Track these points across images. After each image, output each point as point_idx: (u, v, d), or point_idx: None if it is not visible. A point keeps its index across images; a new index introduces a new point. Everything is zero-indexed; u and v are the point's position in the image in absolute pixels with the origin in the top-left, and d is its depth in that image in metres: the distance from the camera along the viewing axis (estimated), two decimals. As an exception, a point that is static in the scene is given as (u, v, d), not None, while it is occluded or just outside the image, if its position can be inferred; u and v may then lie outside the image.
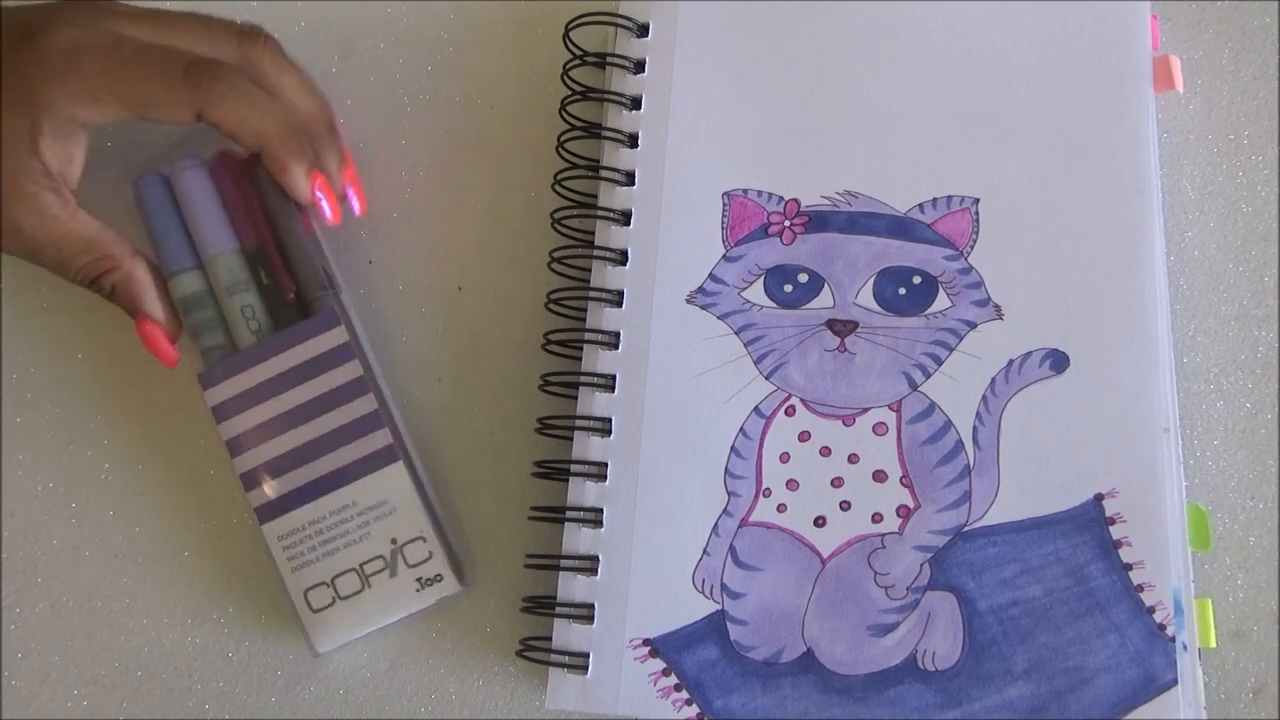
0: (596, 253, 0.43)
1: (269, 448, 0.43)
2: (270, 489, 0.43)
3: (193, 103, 0.41)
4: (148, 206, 0.45)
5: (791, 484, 0.41)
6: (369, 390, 0.43)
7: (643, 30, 0.45)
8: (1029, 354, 0.41)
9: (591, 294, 0.43)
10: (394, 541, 0.42)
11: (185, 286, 0.44)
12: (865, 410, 0.42)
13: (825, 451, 0.42)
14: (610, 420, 0.42)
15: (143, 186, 0.45)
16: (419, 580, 0.42)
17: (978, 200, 0.43)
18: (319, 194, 0.44)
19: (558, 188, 0.44)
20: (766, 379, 0.42)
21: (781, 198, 0.44)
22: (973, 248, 0.42)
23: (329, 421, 0.43)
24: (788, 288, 0.43)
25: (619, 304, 0.43)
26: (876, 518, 0.41)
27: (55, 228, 0.42)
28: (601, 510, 0.42)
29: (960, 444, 0.41)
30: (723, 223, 0.44)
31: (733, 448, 0.42)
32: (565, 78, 0.45)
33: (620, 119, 0.45)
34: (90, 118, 0.42)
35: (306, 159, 0.43)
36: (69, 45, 0.41)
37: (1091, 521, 0.40)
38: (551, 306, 0.44)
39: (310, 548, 0.42)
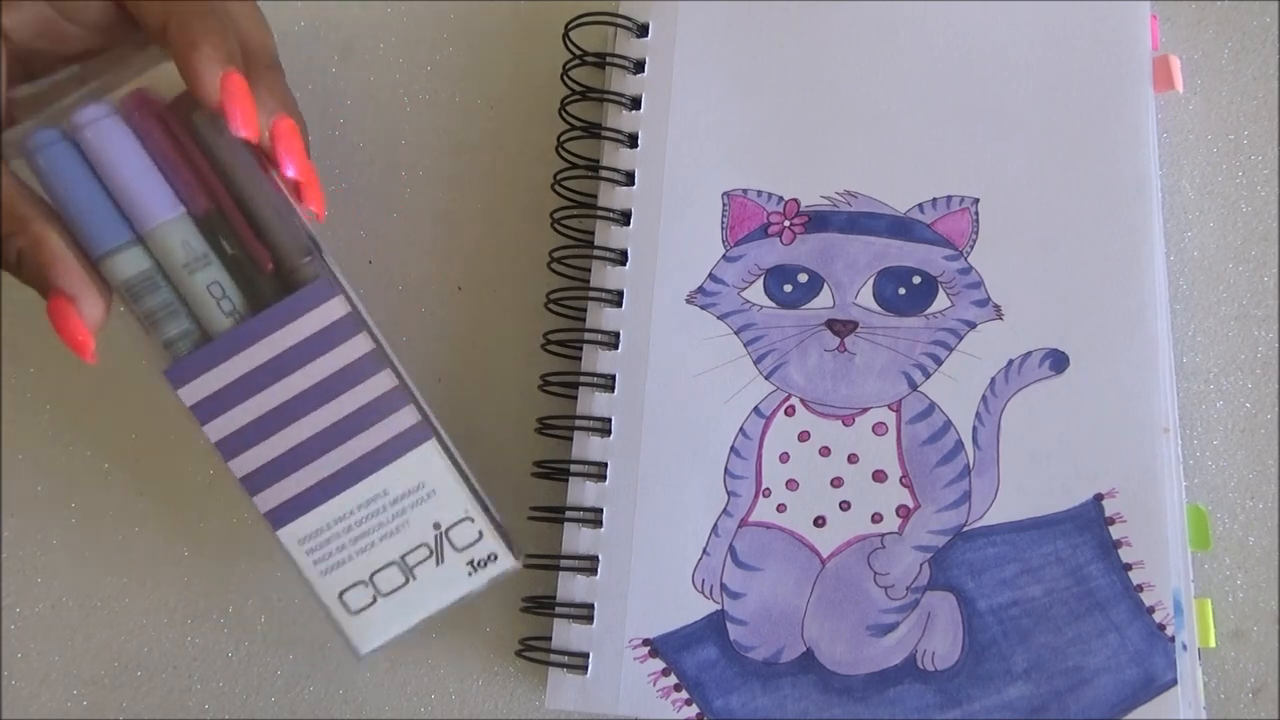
0: (596, 253, 0.43)
1: (272, 445, 0.37)
2: (281, 491, 0.37)
3: None
4: (53, 172, 0.35)
5: (791, 484, 0.41)
6: (385, 365, 0.37)
7: (642, 30, 0.45)
8: (1029, 354, 0.41)
9: (591, 294, 0.43)
10: (437, 526, 0.38)
11: (126, 267, 0.36)
12: (865, 410, 0.42)
13: (825, 451, 0.42)
14: (610, 420, 0.42)
15: (41, 147, 0.35)
16: (470, 563, 0.38)
17: (977, 200, 0.43)
18: (231, 105, 0.34)
19: (557, 188, 0.44)
20: (766, 379, 0.42)
21: (781, 198, 0.44)
22: (972, 248, 0.42)
23: (341, 406, 0.37)
24: (787, 288, 0.43)
25: (619, 304, 0.43)
26: (876, 518, 0.41)
27: None
28: (601, 510, 0.42)
29: (960, 444, 0.41)
30: (722, 223, 0.44)
31: (732, 448, 0.42)
32: (565, 78, 0.45)
33: (620, 119, 0.45)
34: None
35: (225, 50, 0.34)
36: None
37: (1091, 521, 0.40)
38: (551, 306, 0.44)
39: (340, 547, 0.38)
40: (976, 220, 0.43)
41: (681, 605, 0.41)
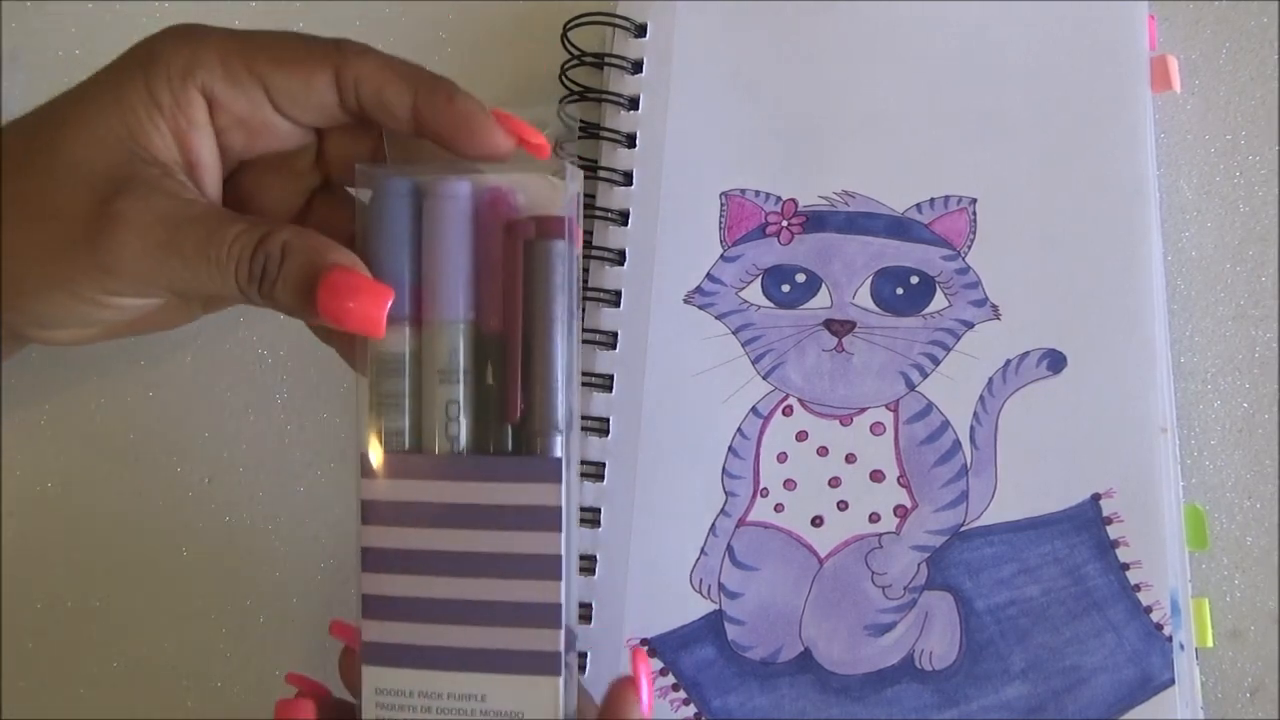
0: (594, 252, 0.43)
1: (411, 582, 0.34)
2: (391, 631, 0.34)
3: (330, 56, 0.34)
4: (381, 219, 0.33)
5: (789, 484, 0.41)
6: (559, 576, 0.33)
7: (640, 30, 0.45)
8: (1026, 354, 0.41)
9: (589, 294, 0.43)
10: None
11: (388, 341, 0.33)
12: (863, 410, 0.42)
13: (823, 451, 0.42)
14: (608, 420, 0.42)
15: (389, 191, 0.34)
16: None
17: (975, 200, 0.43)
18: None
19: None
20: (764, 379, 0.42)
21: (779, 198, 0.44)
22: (970, 248, 0.42)
23: (497, 590, 0.33)
24: (785, 288, 0.43)
25: (617, 304, 0.43)
26: (874, 517, 0.41)
27: (193, 207, 0.33)
28: (599, 510, 0.42)
29: (958, 444, 0.41)
30: (720, 223, 0.44)
31: (730, 447, 0.42)
32: (563, 78, 0.45)
33: (618, 119, 0.45)
34: (211, 84, 0.33)
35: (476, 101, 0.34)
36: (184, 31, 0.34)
37: (1089, 521, 0.40)
38: (550, 307, 0.44)
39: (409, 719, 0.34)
40: (974, 220, 0.43)
41: (679, 605, 0.41)
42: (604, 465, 0.42)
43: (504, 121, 0.34)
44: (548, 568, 0.33)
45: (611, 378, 0.42)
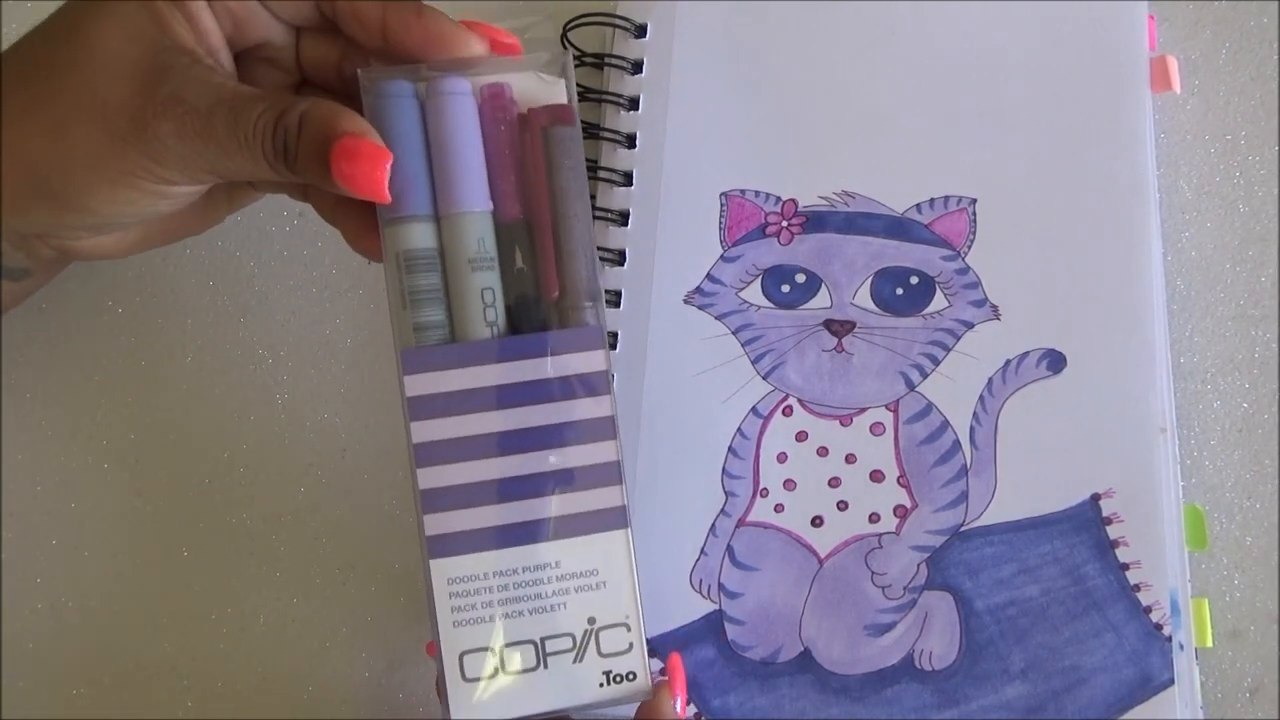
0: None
1: (469, 469, 0.34)
2: (453, 520, 0.34)
3: None
4: (389, 122, 0.34)
5: (789, 484, 0.41)
6: (614, 435, 0.35)
7: (640, 31, 0.45)
8: (1026, 354, 0.41)
9: (589, 294, 0.43)
10: (592, 621, 0.34)
11: (413, 238, 0.34)
12: (862, 410, 0.42)
13: (822, 451, 0.42)
14: (608, 420, 0.42)
15: (390, 94, 0.34)
16: (607, 675, 0.35)
17: (975, 200, 0.43)
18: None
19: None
20: (764, 379, 0.42)
21: (779, 198, 0.44)
22: (970, 248, 0.42)
23: (558, 458, 0.35)
24: (785, 288, 0.43)
25: (617, 304, 0.43)
26: (874, 518, 0.41)
27: (222, 90, 0.34)
28: (599, 510, 0.42)
29: (957, 444, 0.41)
30: (720, 223, 0.44)
31: (730, 448, 0.42)
32: (563, 78, 0.45)
33: (618, 119, 0.45)
34: None
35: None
36: None
37: (1089, 521, 0.40)
38: (550, 307, 0.44)
39: (485, 603, 0.34)
40: (974, 220, 0.43)
41: (679, 605, 0.41)
42: (604, 465, 0.42)
43: (474, 28, 0.35)
44: (603, 429, 0.35)
45: (612, 377, 0.42)
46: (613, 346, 0.43)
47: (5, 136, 0.35)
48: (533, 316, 0.35)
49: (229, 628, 0.44)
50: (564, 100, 0.36)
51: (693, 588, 0.41)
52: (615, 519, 0.35)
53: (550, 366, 0.35)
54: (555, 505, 0.35)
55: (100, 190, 0.35)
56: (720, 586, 0.41)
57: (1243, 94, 0.46)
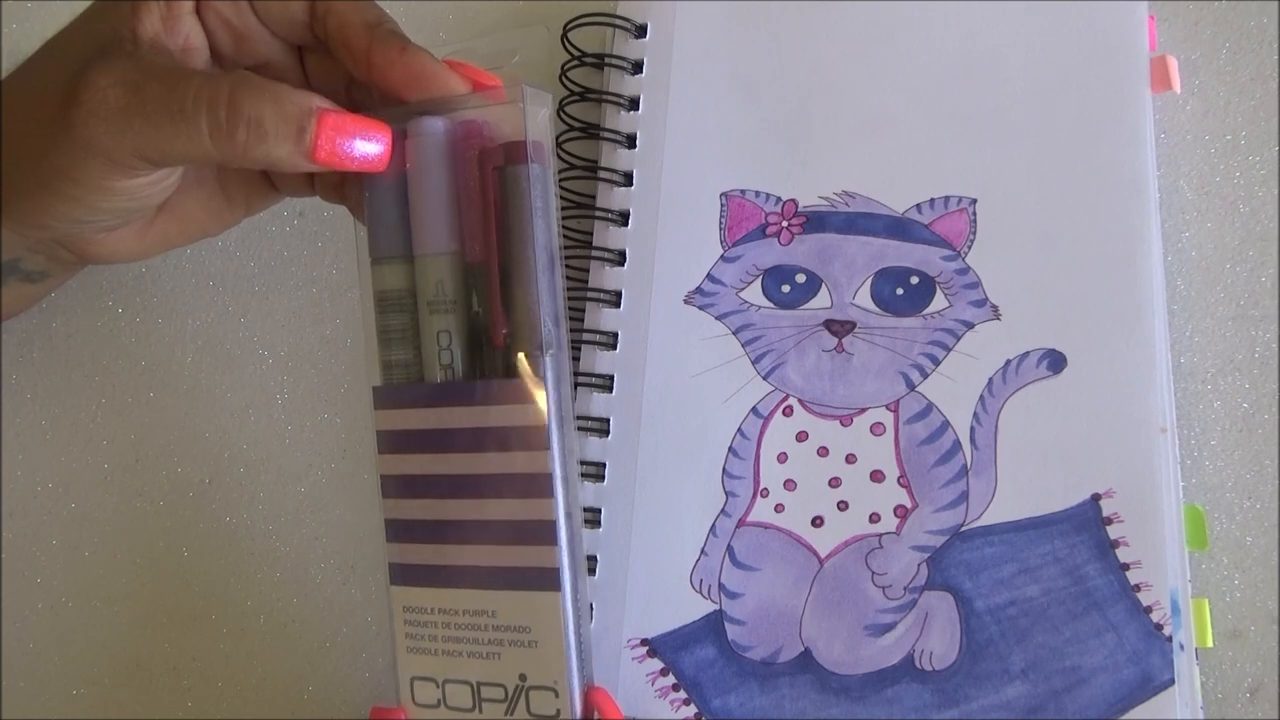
0: (594, 253, 0.43)
1: (422, 506, 0.35)
2: (412, 552, 0.35)
3: None
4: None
5: (789, 484, 0.41)
6: (551, 494, 0.34)
7: (640, 31, 0.45)
8: (1026, 354, 0.41)
9: (589, 294, 0.43)
10: (523, 679, 0.35)
11: (389, 278, 0.35)
12: (863, 410, 0.42)
13: (823, 452, 0.42)
14: (608, 420, 0.42)
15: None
16: None
17: (975, 201, 0.43)
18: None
19: (556, 188, 0.44)
20: (764, 379, 0.42)
21: (779, 198, 0.44)
22: (970, 248, 0.42)
23: (496, 509, 0.35)
24: (785, 288, 0.43)
25: (617, 304, 0.43)
26: (874, 518, 0.41)
27: (154, 67, 0.33)
28: (600, 510, 0.42)
29: (958, 444, 0.41)
30: (720, 223, 0.44)
31: (730, 448, 0.42)
32: (563, 78, 0.45)
33: (618, 120, 0.45)
34: None
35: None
36: None
37: (1089, 521, 0.40)
38: (550, 307, 0.44)
39: (431, 636, 0.36)
40: (974, 221, 0.43)
41: (680, 605, 0.41)
42: (604, 465, 0.42)
43: (457, 68, 0.35)
44: (538, 486, 0.34)
45: (612, 378, 0.43)
46: (613, 347, 0.43)
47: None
48: (483, 362, 0.35)
49: (229, 628, 0.44)
50: (523, 137, 0.35)
51: (693, 588, 0.41)
52: (548, 580, 0.34)
53: (480, 416, 0.35)
54: (489, 555, 0.35)
55: (36, 195, 0.34)
56: (720, 586, 0.41)
57: (1243, 94, 0.46)
